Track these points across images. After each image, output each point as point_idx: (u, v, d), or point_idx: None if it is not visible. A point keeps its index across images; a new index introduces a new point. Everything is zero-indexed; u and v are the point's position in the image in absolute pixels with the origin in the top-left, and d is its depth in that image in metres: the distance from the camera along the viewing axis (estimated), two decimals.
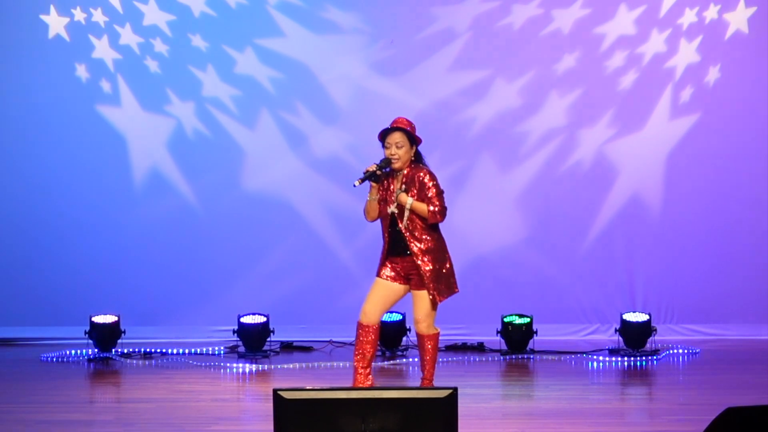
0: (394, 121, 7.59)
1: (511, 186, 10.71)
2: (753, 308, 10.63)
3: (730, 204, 10.64)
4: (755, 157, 10.61)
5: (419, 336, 7.67)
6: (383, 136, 7.54)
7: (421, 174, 7.51)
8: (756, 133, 10.61)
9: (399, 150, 7.47)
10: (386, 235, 7.57)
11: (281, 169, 10.73)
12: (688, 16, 10.60)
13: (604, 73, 10.66)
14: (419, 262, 7.46)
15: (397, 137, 7.50)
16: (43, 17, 10.67)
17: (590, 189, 10.69)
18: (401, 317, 10.10)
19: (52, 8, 10.65)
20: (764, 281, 10.59)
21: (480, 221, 10.65)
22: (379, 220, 7.63)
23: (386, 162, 7.49)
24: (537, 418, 7.55)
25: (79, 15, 10.66)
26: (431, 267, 7.49)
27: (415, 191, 7.47)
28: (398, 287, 7.59)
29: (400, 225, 7.46)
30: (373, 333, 7.61)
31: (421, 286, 7.51)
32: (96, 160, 10.71)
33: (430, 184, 7.49)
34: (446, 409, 4.59)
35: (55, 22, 10.66)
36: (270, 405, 4.64)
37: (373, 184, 7.50)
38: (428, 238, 7.51)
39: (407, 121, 7.60)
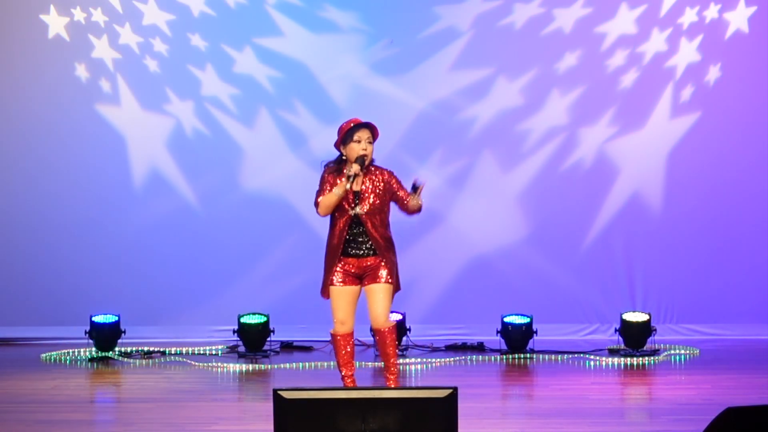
0: (359, 119, 7.41)
1: (512, 185, 10.70)
2: (753, 308, 10.62)
3: (731, 203, 10.64)
4: (755, 156, 10.61)
5: (379, 331, 7.47)
6: (351, 132, 7.34)
7: (386, 174, 7.41)
8: (756, 132, 10.61)
9: (369, 146, 7.36)
10: (343, 236, 7.40)
11: (281, 169, 10.72)
12: (689, 16, 10.60)
13: (605, 72, 10.66)
14: (383, 259, 7.38)
15: (368, 134, 7.38)
16: (43, 17, 10.67)
17: (591, 188, 10.68)
18: (401, 317, 10.10)
19: (52, 8, 10.65)
20: (764, 281, 10.59)
21: (480, 220, 10.65)
22: (328, 219, 7.48)
23: (361, 159, 7.33)
24: (537, 418, 7.54)
25: (78, 15, 10.66)
26: (390, 262, 7.41)
27: (375, 194, 7.35)
28: (355, 289, 7.49)
29: (369, 226, 7.33)
30: (352, 338, 7.57)
31: (376, 280, 7.40)
32: (96, 160, 10.71)
33: (397, 181, 7.41)
34: (446, 409, 4.58)
35: (55, 22, 10.66)
36: (270, 405, 4.63)
37: (351, 182, 7.30)
38: (388, 233, 7.47)
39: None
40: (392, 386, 7.39)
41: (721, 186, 10.64)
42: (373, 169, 7.43)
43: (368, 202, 7.38)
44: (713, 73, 10.61)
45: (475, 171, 10.70)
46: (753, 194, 10.62)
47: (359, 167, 7.30)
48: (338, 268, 7.44)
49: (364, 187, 7.39)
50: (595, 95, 10.66)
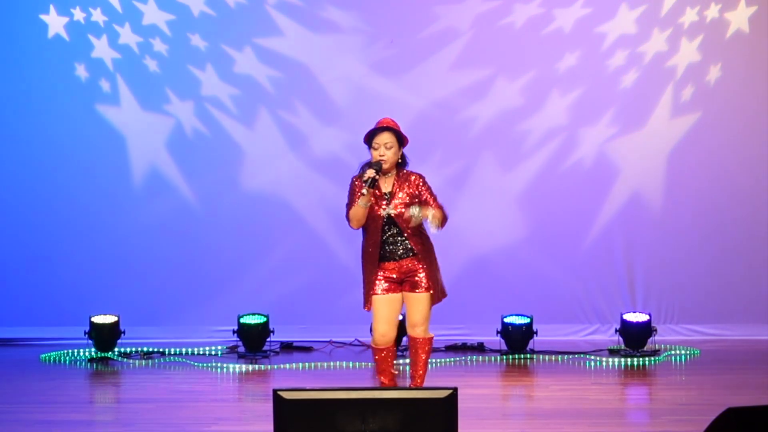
0: (382, 122, 7.34)
1: (512, 185, 10.70)
2: (753, 308, 10.62)
3: (731, 203, 10.63)
4: (756, 156, 10.60)
5: (415, 341, 7.36)
6: (371, 136, 7.29)
7: (413, 178, 7.29)
8: (756, 132, 10.60)
9: (388, 151, 7.22)
10: (377, 240, 7.24)
11: (281, 169, 10.72)
12: (689, 15, 10.60)
13: (605, 72, 10.65)
14: (421, 264, 7.25)
15: (386, 138, 7.24)
16: (42, 17, 10.66)
17: (591, 188, 10.68)
18: (401, 317, 10.08)
19: (51, 8, 10.65)
20: (764, 281, 10.58)
21: (480, 221, 10.64)
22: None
23: (378, 165, 7.19)
24: (537, 418, 7.54)
25: (78, 15, 10.66)
26: (430, 267, 7.30)
27: (406, 195, 7.25)
28: (397, 297, 7.31)
29: (403, 225, 7.19)
30: (393, 350, 7.37)
31: (416, 289, 7.27)
32: (95, 160, 10.71)
33: (426, 189, 7.29)
34: (446, 409, 4.58)
35: (55, 22, 10.66)
36: (270, 405, 4.63)
37: (369, 190, 7.15)
38: (425, 237, 7.34)
39: (394, 121, 7.37)
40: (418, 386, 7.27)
41: (722, 186, 10.64)
42: (405, 172, 7.29)
43: (399, 204, 7.23)
44: (714, 72, 10.61)
45: (475, 171, 10.70)
46: (753, 194, 10.61)
47: (374, 171, 7.14)
48: (380, 276, 7.25)
49: (393, 188, 7.24)
50: (595, 95, 10.66)
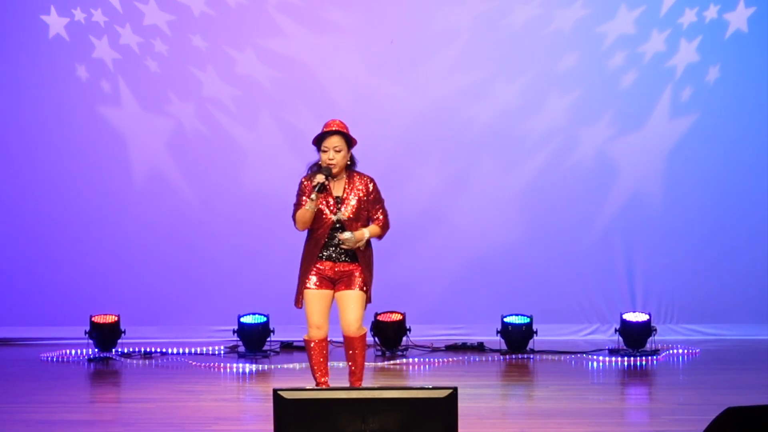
0: (331, 124, 7.25)
1: (512, 185, 10.71)
2: (753, 308, 10.63)
3: (730, 203, 10.64)
4: (755, 156, 10.62)
5: (351, 340, 7.28)
6: (320, 139, 7.23)
7: (367, 180, 7.26)
8: (755, 132, 10.62)
9: (337, 154, 7.17)
10: (321, 242, 7.24)
11: (281, 169, 10.71)
12: (688, 16, 10.61)
13: (604, 72, 10.66)
14: (359, 267, 7.21)
15: (336, 141, 7.18)
16: (43, 17, 10.67)
17: (590, 188, 10.69)
18: (401, 317, 10.10)
19: (52, 8, 10.66)
20: (764, 281, 10.59)
21: (480, 221, 10.65)
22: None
23: (327, 170, 7.17)
24: (537, 418, 7.55)
25: (79, 15, 10.67)
26: (366, 271, 7.25)
27: (357, 199, 7.21)
28: (329, 293, 7.31)
29: (350, 231, 7.14)
30: (327, 342, 7.37)
31: (350, 286, 7.23)
32: (96, 160, 10.72)
33: (375, 196, 7.26)
34: (446, 409, 4.59)
35: (55, 22, 10.67)
36: (270, 405, 4.64)
37: (319, 195, 7.16)
38: (367, 245, 7.29)
39: (343, 123, 7.29)
40: (358, 386, 7.27)
41: (721, 186, 10.65)
42: (355, 174, 7.28)
43: (350, 207, 7.22)
44: (713, 73, 10.62)
45: (475, 171, 10.70)
46: (753, 194, 10.63)
47: (323, 177, 7.14)
48: (312, 272, 7.28)
49: (344, 192, 7.24)
50: (595, 96, 10.67)
